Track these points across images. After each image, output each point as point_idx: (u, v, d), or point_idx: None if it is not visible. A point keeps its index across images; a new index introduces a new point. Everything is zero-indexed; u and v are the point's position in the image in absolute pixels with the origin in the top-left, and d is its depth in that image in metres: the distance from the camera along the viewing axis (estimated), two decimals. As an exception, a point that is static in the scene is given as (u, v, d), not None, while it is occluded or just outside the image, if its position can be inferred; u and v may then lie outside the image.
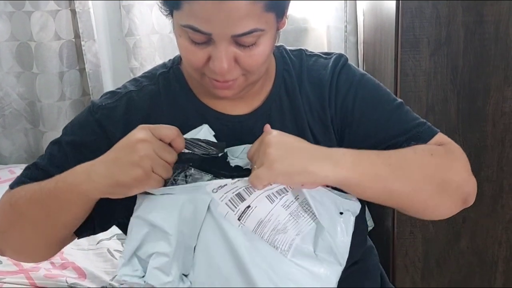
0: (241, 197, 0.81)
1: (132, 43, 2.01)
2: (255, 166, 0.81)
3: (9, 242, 0.95)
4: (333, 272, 0.83)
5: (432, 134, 0.96)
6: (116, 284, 1.41)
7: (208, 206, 0.81)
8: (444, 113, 1.60)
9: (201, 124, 0.92)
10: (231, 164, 0.88)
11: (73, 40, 2.07)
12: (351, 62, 1.03)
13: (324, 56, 1.02)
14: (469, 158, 0.96)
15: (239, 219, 0.80)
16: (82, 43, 2.04)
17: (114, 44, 2.13)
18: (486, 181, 1.66)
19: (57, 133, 1.00)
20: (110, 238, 1.60)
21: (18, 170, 1.85)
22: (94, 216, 0.94)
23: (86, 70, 2.08)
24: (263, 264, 0.79)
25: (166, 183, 0.83)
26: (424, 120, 0.99)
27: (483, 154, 1.63)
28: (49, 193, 0.87)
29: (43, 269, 1.42)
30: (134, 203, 0.86)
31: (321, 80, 0.98)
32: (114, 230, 1.39)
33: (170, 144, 0.83)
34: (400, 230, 1.71)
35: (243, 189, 0.81)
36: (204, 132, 0.89)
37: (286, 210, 0.82)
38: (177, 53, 1.00)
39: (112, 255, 1.53)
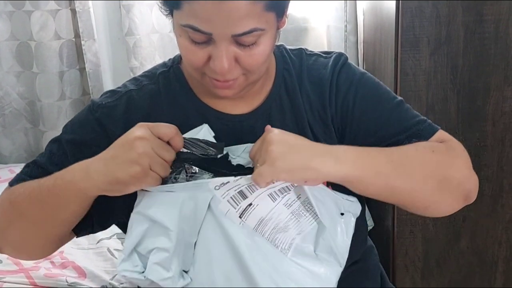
0: (243, 195, 0.81)
1: (132, 43, 2.01)
2: (257, 164, 0.81)
3: (7, 240, 0.96)
4: (333, 272, 0.83)
5: (433, 132, 0.97)
6: (116, 284, 1.41)
7: (209, 204, 0.81)
8: (444, 112, 1.60)
9: (201, 124, 0.92)
10: (232, 163, 0.88)
11: (73, 39, 2.07)
12: (351, 61, 1.03)
13: (324, 55, 1.02)
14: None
15: (240, 217, 0.80)
16: (82, 42, 2.04)
17: (114, 44, 2.13)
18: (486, 180, 1.66)
19: (57, 133, 1.00)
20: (110, 237, 1.60)
21: (18, 169, 1.83)
22: (93, 214, 0.94)
23: (86, 70, 2.08)
24: (264, 263, 0.79)
25: (164, 181, 0.83)
26: (425, 118, 0.99)
27: (483, 154, 1.63)
28: (47, 191, 0.87)
29: (43, 268, 1.42)
30: (133, 202, 0.86)
31: (321, 79, 0.98)
32: (114, 229, 1.39)
33: (168, 143, 0.83)
34: (400, 230, 1.71)
35: (246, 187, 0.81)
36: (204, 132, 0.89)
37: (288, 209, 0.83)
38: (177, 52, 1.00)
39: (112, 254, 1.53)
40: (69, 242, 1.49)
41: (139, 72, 1.05)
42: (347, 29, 2.05)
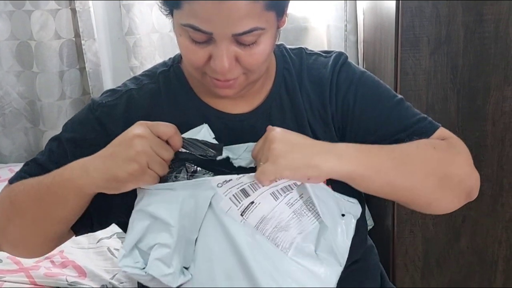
0: (245, 193, 0.81)
1: (132, 42, 2.01)
2: (260, 163, 0.81)
3: (7, 237, 0.96)
4: (333, 272, 0.83)
5: (434, 129, 0.97)
6: (116, 283, 1.41)
7: (210, 202, 0.81)
8: (444, 112, 1.60)
9: (201, 123, 0.92)
10: (234, 165, 0.88)
11: (73, 39, 2.07)
12: (351, 61, 1.03)
13: (324, 54, 1.02)
14: (469, 157, 0.96)
15: (241, 215, 0.80)
16: (82, 42, 2.04)
17: (114, 43, 2.14)
18: (486, 180, 1.65)
19: (57, 132, 1.00)
20: (110, 237, 1.60)
21: (18, 169, 1.84)
22: (92, 213, 0.94)
23: (86, 69, 2.08)
24: (265, 261, 0.79)
25: (164, 180, 0.84)
26: (425, 115, 0.99)
27: (483, 153, 1.63)
28: (46, 188, 0.88)
29: (43, 267, 1.42)
30: (133, 201, 0.86)
31: (322, 78, 0.99)
32: (114, 228, 1.39)
33: (167, 142, 0.83)
34: (400, 229, 1.71)
35: (248, 185, 0.81)
36: (204, 133, 0.89)
37: (290, 208, 0.83)
38: (177, 52, 1.00)
39: (112, 254, 1.53)
40: (69, 242, 1.50)
41: (139, 72, 1.05)
42: (347, 29, 2.05)
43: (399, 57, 1.58)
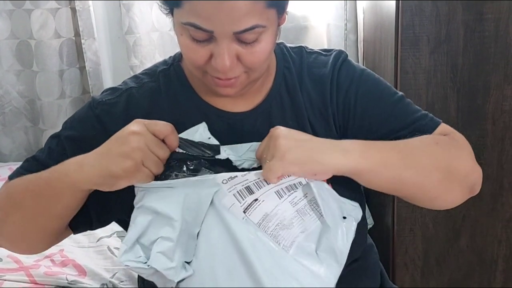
0: (250, 190, 0.81)
1: (132, 41, 2.01)
2: (266, 161, 0.81)
3: (4, 232, 0.96)
4: (332, 272, 0.83)
5: (435, 125, 0.97)
6: (116, 282, 1.41)
7: (212, 198, 0.81)
8: (444, 111, 1.60)
9: (201, 122, 0.92)
10: (237, 167, 0.88)
11: (73, 38, 2.07)
12: (351, 59, 1.03)
13: (324, 53, 1.02)
14: (469, 156, 0.96)
15: (244, 212, 0.80)
16: (82, 41, 2.05)
17: (114, 42, 2.14)
18: (486, 179, 1.63)
19: (57, 131, 1.00)
20: (110, 236, 1.60)
21: (18, 168, 1.85)
22: (91, 211, 0.95)
23: (86, 68, 2.08)
24: (266, 258, 0.79)
25: (162, 179, 0.84)
26: (426, 112, 1.00)
27: (483, 152, 1.63)
28: (43, 183, 0.88)
29: (43, 266, 1.42)
30: (133, 198, 0.86)
31: (322, 77, 0.99)
32: (114, 227, 1.40)
33: (164, 141, 0.83)
34: (400, 228, 1.71)
35: (253, 183, 0.81)
36: (200, 133, 0.89)
37: (294, 207, 0.83)
38: (177, 50, 1.00)
39: (112, 253, 1.53)
40: (69, 241, 1.51)
41: (139, 71, 1.05)
42: (347, 28, 2.05)
43: (399, 56, 1.58)
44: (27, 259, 1.45)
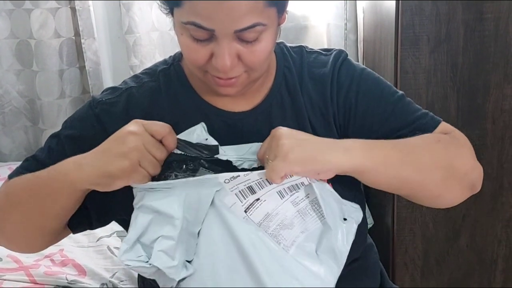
0: (252, 190, 0.81)
1: (132, 41, 2.01)
2: (269, 161, 0.81)
3: (2, 231, 0.96)
4: (332, 273, 0.83)
5: (436, 124, 0.98)
6: (116, 281, 1.41)
7: (213, 199, 0.81)
8: (444, 110, 1.60)
9: (201, 121, 0.92)
10: (238, 167, 0.88)
11: (73, 38, 2.07)
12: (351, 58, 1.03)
13: (324, 52, 1.02)
14: (469, 156, 0.96)
15: (245, 211, 0.80)
16: (82, 41, 2.04)
17: (114, 42, 2.14)
18: (486, 178, 1.63)
19: (56, 131, 1.00)
20: (110, 235, 1.60)
21: (18, 167, 1.85)
22: (91, 210, 0.95)
23: (86, 68, 2.08)
24: (266, 257, 0.79)
25: (162, 179, 0.83)
26: (426, 111, 1.00)
27: (483, 152, 1.63)
28: (41, 182, 0.88)
29: (43, 266, 1.42)
30: (133, 197, 0.85)
31: (322, 76, 0.99)
32: (114, 227, 1.40)
33: (162, 142, 0.83)
34: (399, 228, 1.71)
35: (256, 183, 0.81)
36: (198, 134, 0.89)
37: (295, 207, 0.83)
38: (177, 50, 1.00)
39: (112, 253, 1.53)
40: (69, 240, 1.51)
41: (139, 71, 1.05)
42: (347, 27, 2.05)
43: (399, 55, 1.58)
44: (27, 259, 1.45)
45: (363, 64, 2.02)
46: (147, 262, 0.80)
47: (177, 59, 1.01)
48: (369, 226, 1.88)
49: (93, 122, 0.95)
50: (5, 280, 1.37)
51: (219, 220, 0.81)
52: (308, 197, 0.84)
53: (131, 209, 0.85)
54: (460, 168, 0.92)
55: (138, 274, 1.11)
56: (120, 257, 0.80)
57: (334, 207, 0.85)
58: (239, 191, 0.80)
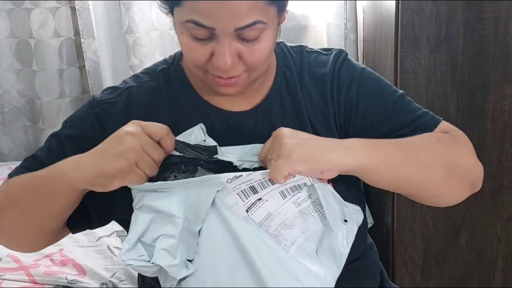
0: (254, 190, 0.81)
1: (131, 41, 2.01)
2: (272, 161, 0.81)
3: (2, 230, 0.96)
4: (332, 274, 0.83)
5: (436, 123, 0.98)
6: (116, 281, 1.41)
7: (214, 198, 0.81)
8: (444, 110, 1.61)
9: (202, 121, 0.92)
10: (238, 167, 0.88)
11: (73, 37, 2.07)
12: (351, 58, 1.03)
13: (324, 52, 1.02)
14: (469, 155, 0.96)
15: (247, 211, 0.80)
16: (82, 40, 2.04)
17: (114, 42, 2.13)
18: (486, 178, 1.63)
19: (56, 130, 1.00)
20: (110, 235, 1.60)
21: (17, 167, 1.85)
22: (91, 210, 0.95)
23: (86, 68, 2.08)
24: (267, 257, 0.79)
25: (162, 179, 0.83)
26: (427, 110, 1.00)
27: (483, 151, 1.64)
28: (40, 181, 0.88)
29: (43, 266, 1.42)
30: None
31: (322, 76, 0.99)
32: (114, 227, 1.40)
33: (160, 144, 0.83)
34: (399, 228, 1.71)
35: (258, 183, 0.81)
36: (196, 135, 0.89)
37: (297, 207, 0.83)
38: (177, 50, 1.00)
39: (112, 252, 1.53)
40: (68, 240, 1.51)
41: (138, 70, 1.05)
42: (347, 27, 2.05)
43: (399, 55, 1.58)
44: (27, 259, 1.45)
45: (363, 64, 2.03)
46: (149, 261, 0.80)
47: (177, 58, 1.01)
48: (369, 225, 1.88)
49: (93, 122, 0.95)
50: (5, 279, 1.37)
51: (220, 220, 0.81)
52: (310, 197, 0.84)
53: (131, 209, 0.85)
54: (461, 167, 0.92)
55: (138, 274, 1.11)
56: (122, 257, 0.80)
57: (336, 208, 0.85)
58: (241, 190, 0.80)
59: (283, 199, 0.82)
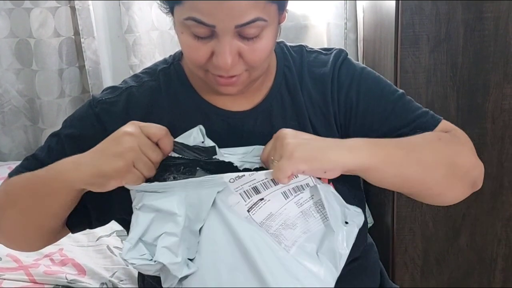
0: (256, 190, 0.81)
1: (131, 40, 2.01)
2: (275, 162, 0.81)
3: (1, 229, 0.96)
4: (332, 275, 0.83)
5: (437, 122, 0.98)
6: (115, 281, 1.41)
7: (215, 198, 0.80)
8: (444, 110, 1.60)
9: (202, 120, 0.92)
10: (239, 168, 0.88)
11: (73, 37, 2.07)
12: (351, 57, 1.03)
13: (324, 52, 1.02)
14: (469, 155, 0.96)
15: (248, 211, 0.80)
16: (82, 40, 2.04)
17: (114, 41, 2.13)
18: (486, 178, 1.62)
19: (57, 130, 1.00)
20: (109, 235, 1.60)
21: (17, 167, 1.85)
22: (91, 210, 0.95)
23: (86, 67, 2.08)
24: (268, 257, 0.79)
25: (160, 181, 0.83)
26: (427, 109, 1.00)
27: (483, 151, 1.64)
28: (40, 181, 0.89)
29: (42, 265, 1.42)
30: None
31: (323, 76, 0.99)
32: (114, 226, 1.40)
33: (158, 145, 0.83)
34: (399, 227, 1.71)
35: (260, 184, 0.81)
36: (194, 136, 0.89)
37: (299, 207, 0.83)
38: (177, 49, 1.00)
39: (112, 252, 1.53)
40: (68, 240, 1.51)
41: (138, 70, 1.05)
42: (347, 27, 2.05)
43: (399, 55, 1.58)
44: (27, 258, 1.45)
45: (363, 64, 2.03)
46: (151, 259, 0.80)
47: (177, 58, 1.01)
48: (369, 225, 1.88)
49: (93, 122, 0.95)
50: (4, 279, 1.37)
51: (221, 219, 0.81)
52: (313, 198, 0.84)
53: (130, 209, 0.85)
54: (462, 166, 0.93)
55: (138, 274, 1.11)
56: (124, 256, 0.80)
57: (337, 210, 0.85)
58: (244, 191, 0.80)
59: (285, 199, 0.82)
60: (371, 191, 1.90)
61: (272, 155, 0.83)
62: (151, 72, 1.00)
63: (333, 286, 0.83)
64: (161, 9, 0.90)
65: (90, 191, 0.87)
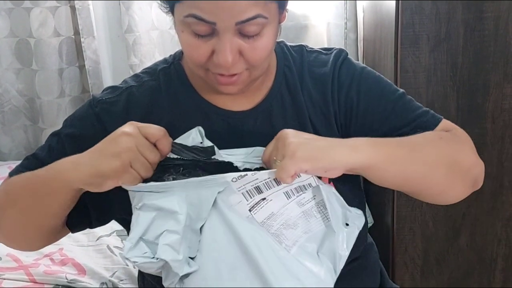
0: (259, 190, 0.81)
1: (131, 40, 2.01)
2: (277, 162, 0.81)
3: (2, 228, 0.96)
4: (332, 275, 0.83)
5: (437, 122, 0.98)
6: (116, 281, 1.41)
7: (216, 197, 0.80)
8: (444, 110, 1.61)
9: (202, 120, 0.92)
10: (239, 168, 0.88)
11: (73, 36, 2.07)
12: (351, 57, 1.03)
13: (324, 52, 1.02)
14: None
15: (250, 210, 0.80)
16: (82, 39, 2.04)
17: (114, 41, 2.13)
18: (486, 177, 1.63)
19: (57, 129, 1.00)
20: (110, 235, 1.60)
21: (17, 166, 1.85)
22: (91, 210, 0.95)
23: (86, 67, 2.08)
24: (269, 256, 0.79)
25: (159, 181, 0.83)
26: (427, 108, 1.00)
27: (483, 151, 1.63)
28: (39, 180, 0.89)
29: (42, 265, 1.42)
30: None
31: (323, 75, 0.99)
32: (114, 226, 1.40)
33: (156, 146, 0.83)
34: (399, 227, 1.71)
35: (263, 183, 0.81)
36: (193, 137, 0.89)
37: (301, 208, 0.83)
38: (177, 49, 1.00)
39: (112, 252, 1.53)
40: (68, 239, 1.51)
41: (138, 70, 1.05)
42: (347, 27, 2.05)
43: (399, 54, 1.58)
44: (27, 258, 1.45)
45: (363, 63, 2.03)
46: (152, 257, 0.79)
47: (177, 58, 1.01)
48: (369, 225, 1.88)
49: (93, 121, 0.95)
50: (4, 279, 1.37)
51: (222, 219, 0.81)
52: (315, 198, 0.84)
53: (129, 209, 0.85)
54: (463, 165, 0.93)
55: (138, 273, 1.11)
56: (126, 255, 0.80)
57: (339, 211, 0.86)
58: (246, 190, 0.80)
59: (287, 199, 0.82)
60: (371, 191, 1.89)
61: (274, 155, 0.83)
62: (151, 71, 1.00)
63: (332, 286, 0.83)
64: (161, 9, 0.90)
65: (90, 191, 0.87)
